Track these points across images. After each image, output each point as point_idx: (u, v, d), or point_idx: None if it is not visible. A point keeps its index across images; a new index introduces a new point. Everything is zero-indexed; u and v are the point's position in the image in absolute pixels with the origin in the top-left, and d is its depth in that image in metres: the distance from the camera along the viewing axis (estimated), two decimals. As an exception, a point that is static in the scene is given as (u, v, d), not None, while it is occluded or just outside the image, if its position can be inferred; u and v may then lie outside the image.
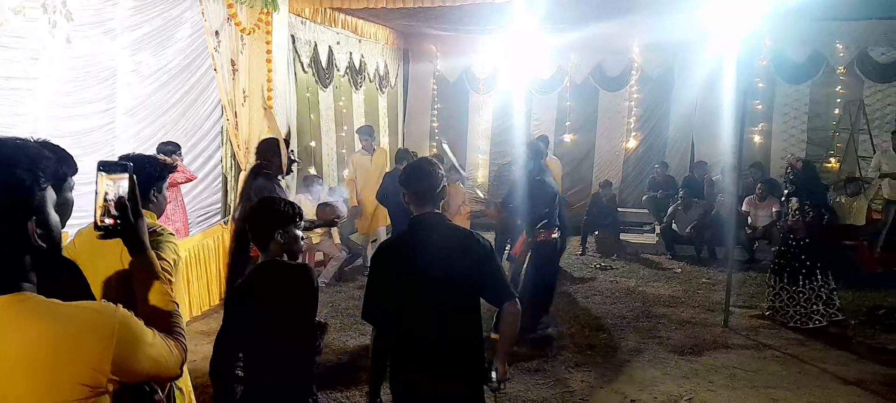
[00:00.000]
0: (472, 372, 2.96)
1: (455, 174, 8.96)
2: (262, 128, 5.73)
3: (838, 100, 11.05)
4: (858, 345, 6.26)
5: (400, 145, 12.60)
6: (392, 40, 12.05)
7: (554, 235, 6.27)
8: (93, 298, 1.60)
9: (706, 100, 11.19)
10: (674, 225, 10.26)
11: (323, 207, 7.27)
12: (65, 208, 1.74)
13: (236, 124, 7.25)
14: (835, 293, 6.73)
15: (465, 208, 8.84)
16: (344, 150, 10.24)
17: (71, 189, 1.80)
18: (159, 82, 6.52)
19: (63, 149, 1.88)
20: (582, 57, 12.05)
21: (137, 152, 3.12)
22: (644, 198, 11.54)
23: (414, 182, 2.96)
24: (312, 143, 9.41)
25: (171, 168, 3.17)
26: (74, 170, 1.83)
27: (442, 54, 12.70)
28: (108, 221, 1.71)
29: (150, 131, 6.44)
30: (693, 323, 6.92)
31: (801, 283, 6.71)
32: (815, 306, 6.66)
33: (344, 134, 10.25)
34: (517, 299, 2.99)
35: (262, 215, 3.01)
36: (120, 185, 1.73)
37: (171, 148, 6.33)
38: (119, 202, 1.71)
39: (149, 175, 2.92)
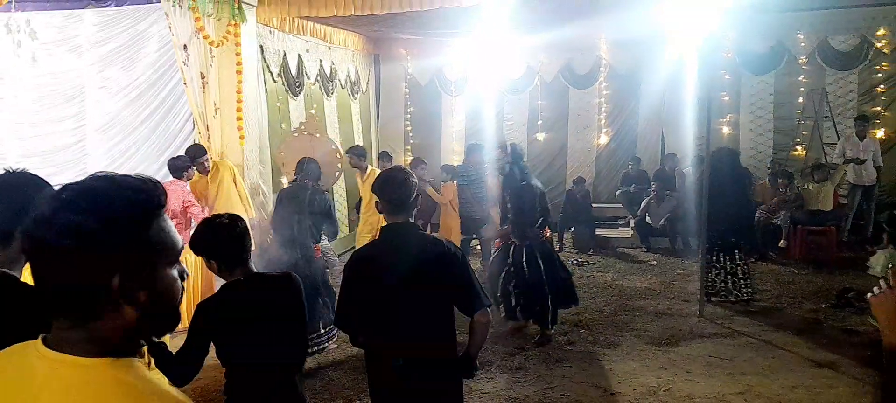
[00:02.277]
0: (446, 376, 3.01)
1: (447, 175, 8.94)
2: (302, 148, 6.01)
3: (802, 89, 11.26)
4: (830, 329, 6.42)
5: (375, 150, 12.61)
6: (362, 46, 12.04)
7: (547, 233, 6.61)
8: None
9: (674, 94, 11.33)
10: (647, 219, 10.40)
11: None
12: None
13: (209, 137, 7.20)
14: (738, 267, 7.15)
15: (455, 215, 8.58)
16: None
17: None
18: (129, 98, 6.47)
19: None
20: (551, 56, 12.13)
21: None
22: (618, 192, 11.65)
23: (388, 191, 2.97)
24: (282, 153, 9.35)
25: None
26: None
27: (413, 58, 12.70)
28: None
29: (121, 147, 6.39)
30: (669, 314, 7.03)
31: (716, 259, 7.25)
32: (723, 283, 7.16)
33: (317, 142, 10.23)
34: (488, 308, 3.00)
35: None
36: None
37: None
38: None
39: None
